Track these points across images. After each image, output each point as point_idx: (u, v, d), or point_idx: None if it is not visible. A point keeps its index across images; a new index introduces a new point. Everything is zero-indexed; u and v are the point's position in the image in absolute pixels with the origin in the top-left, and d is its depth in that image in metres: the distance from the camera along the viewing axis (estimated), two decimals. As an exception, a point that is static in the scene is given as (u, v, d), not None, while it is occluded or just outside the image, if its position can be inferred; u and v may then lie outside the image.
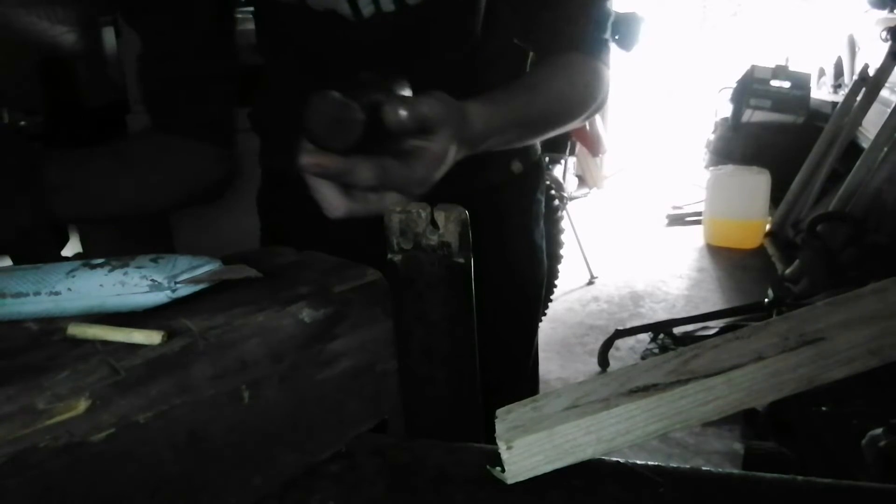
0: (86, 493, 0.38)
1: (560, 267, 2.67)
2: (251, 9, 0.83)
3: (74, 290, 0.45)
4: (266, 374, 0.45)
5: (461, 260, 0.49)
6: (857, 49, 4.20)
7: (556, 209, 2.62)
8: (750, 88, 4.09)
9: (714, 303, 3.06)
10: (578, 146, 3.70)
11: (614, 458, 0.47)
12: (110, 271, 0.46)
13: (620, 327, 2.64)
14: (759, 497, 0.44)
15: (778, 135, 4.01)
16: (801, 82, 4.10)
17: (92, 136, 2.44)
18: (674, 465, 0.46)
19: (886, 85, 3.21)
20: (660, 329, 2.62)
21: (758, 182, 3.57)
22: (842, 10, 4.96)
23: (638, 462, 0.47)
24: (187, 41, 0.75)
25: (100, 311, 0.46)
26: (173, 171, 0.78)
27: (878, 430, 1.40)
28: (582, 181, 4.78)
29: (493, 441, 0.46)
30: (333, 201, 0.52)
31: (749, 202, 3.60)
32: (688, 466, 0.47)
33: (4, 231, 0.67)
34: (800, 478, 0.45)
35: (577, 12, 0.74)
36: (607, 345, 2.56)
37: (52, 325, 0.45)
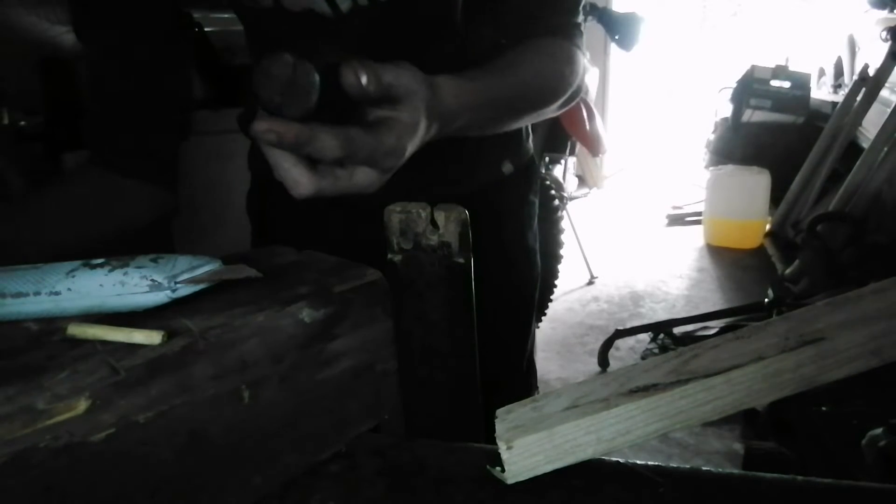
0: (86, 493, 0.38)
1: (560, 267, 2.67)
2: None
3: (74, 290, 0.45)
4: (266, 374, 0.45)
5: (461, 260, 0.49)
6: (857, 49, 4.20)
7: (556, 209, 2.62)
8: (750, 88, 4.09)
9: (714, 303, 3.06)
10: (578, 146, 3.70)
11: (614, 458, 0.47)
12: (110, 271, 0.46)
13: (620, 327, 2.64)
14: (759, 497, 0.44)
15: (778, 135, 4.01)
16: (801, 82, 4.10)
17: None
18: (674, 465, 0.46)
19: (886, 85, 3.21)
20: (660, 329, 2.62)
21: (758, 182, 3.57)
22: (842, 10, 4.96)
23: (638, 462, 0.47)
24: (136, 64, 0.73)
25: (100, 311, 0.46)
26: (103, 218, 0.76)
27: (878, 430, 1.40)
28: (582, 181, 4.78)
29: (493, 441, 0.46)
30: (298, 178, 0.46)
31: (749, 202, 3.60)
32: (688, 466, 0.47)
33: None
34: (800, 478, 0.45)
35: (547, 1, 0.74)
36: (607, 345, 2.56)
37: (52, 325, 0.45)
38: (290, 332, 0.46)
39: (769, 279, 2.90)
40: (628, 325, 2.68)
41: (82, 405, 0.37)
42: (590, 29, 0.81)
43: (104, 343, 0.42)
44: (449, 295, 0.51)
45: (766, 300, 2.62)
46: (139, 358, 0.41)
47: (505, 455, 0.44)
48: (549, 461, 0.44)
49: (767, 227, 3.55)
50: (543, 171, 3.10)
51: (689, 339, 2.53)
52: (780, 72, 4.11)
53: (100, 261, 0.47)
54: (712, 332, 2.53)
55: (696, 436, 2.08)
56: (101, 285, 0.45)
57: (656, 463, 0.46)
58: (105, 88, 0.75)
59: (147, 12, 0.73)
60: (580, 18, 0.77)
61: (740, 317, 2.65)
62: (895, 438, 1.37)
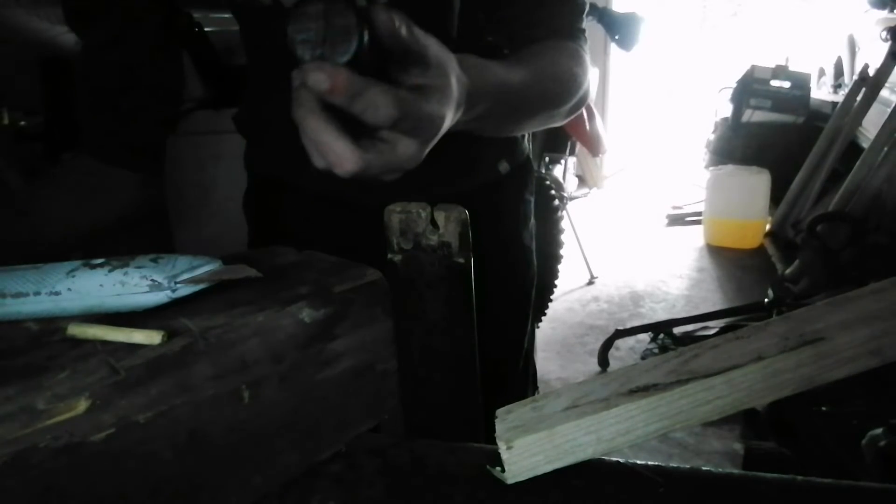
0: (86, 493, 0.38)
1: (560, 267, 2.67)
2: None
3: (74, 290, 0.45)
4: (266, 374, 0.45)
5: (461, 260, 0.49)
6: (857, 49, 4.20)
7: (556, 209, 2.62)
8: (750, 88, 4.09)
9: (714, 303, 3.06)
10: (578, 146, 3.70)
11: (614, 458, 0.47)
12: (110, 271, 0.46)
13: (620, 327, 2.64)
14: (759, 497, 0.44)
15: (778, 135, 4.01)
16: (801, 82, 4.10)
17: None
18: (674, 465, 0.46)
19: (886, 85, 3.21)
20: (660, 329, 2.62)
21: (758, 182, 3.57)
22: (842, 10, 4.96)
23: (638, 462, 0.47)
24: (126, 57, 0.74)
25: (100, 311, 0.46)
26: (90, 208, 0.77)
27: (878, 430, 1.40)
28: (582, 181, 4.78)
29: (493, 441, 0.46)
30: (343, 152, 0.41)
31: (749, 202, 3.60)
32: (688, 466, 0.47)
33: None
34: (800, 478, 0.45)
35: (551, 2, 0.74)
36: (607, 345, 2.56)
37: (52, 325, 0.45)
38: (290, 332, 0.46)
39: (769, 279, 2.90)
40: (628, 325, 2.68)
41: (82, 405, 0.37)
42: (590, 29, 0.81)
43: (104, 343, 0.42)
44: (449, 295, 0.51)
45: (766, 300, 2.62)
46: (139, 358, 0.41)
47: (505, 455, 0.44)
48: (549, 461, 0.44)
49: (767, 227, 3.55)
50: (543, 171, 3.09)
51: (689, 339, 2.53)
52: (780, 72, 4.11)
53: (100, 261, 0.47)
54: (712, 332, 2.53)
55: (696, 436, 2.08)
56: (101, 285, 0.45)
57: (656, 463, 0.46)
58: (94, 79, 0.75)
59: (138, 4, 0.73)
60: (584, 24, 0.77)
61: (740, 317, 2.65)
62: (895, 438, 1.37)
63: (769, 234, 3.46)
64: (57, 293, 0.45)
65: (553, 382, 2.42)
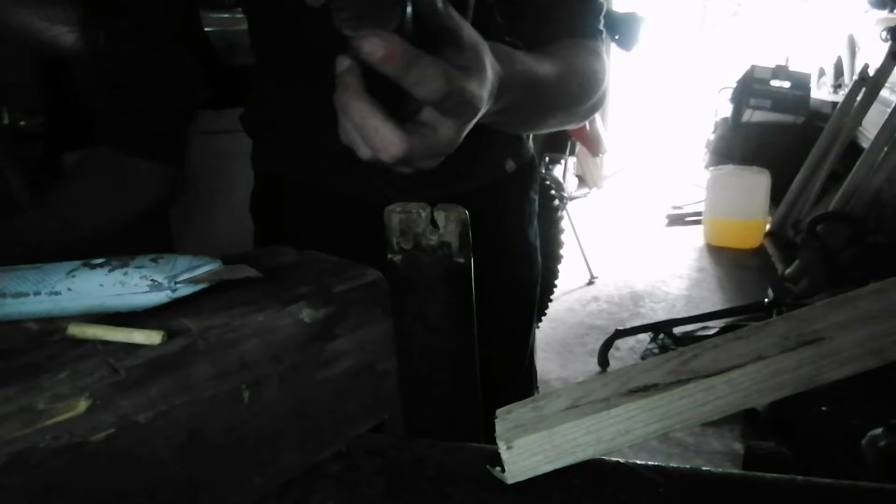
0: (86, 493, 0.38)
1: (560, 267, 2.67)
2: (240, 8, 0.82)
3: (74, 290, 0.45)
4: (266, 374, 0.45)
5: (461, 260, 0.49)
6: (857, 49, 4.20)
7: (556, 209, 2.62)
8: (750, 88, 4.10)
9: (714, 303, 3.06)
10: (578, 146, 3.71)
11: (614, 458, 0.47)
12: (110, 271, 0.46)
13: (620, 327, 2.64)
14: (759, 497, 0.44)
15: (778, 135, 4.02)
16: (801, 82, 4.10)
17: (92, 136, 2.44)
18: (674, 465, 0.46)
19: (886, 85, 3.22)
20: (660, 329, 2.62)
21: (758, 182, 3.57)
22: (842, 10, 4.96)
23: (638, 462, 0.47)
24: (146, 48, 0.74)
25: (100, 311, 0.46)
26: (117, 200, 0.77)
27: (878, 430, 1.40)
28: (582, 181, 4.78)
29: (493, 441, 0.46)
30: (390, 135, 0.40)
31: (749, 202, 3.60)
32: (688, 466, 0.47)
33: None
34: (800, 478, 0.45)
35: (571, 2, 0.73)
36: (607, 345, 2.56)
37: (52, 325, 0.45)
38: (290, 332, 0.46)
39: (769, 279, 2.90)
40: (628, 325, 2.68)
41: (82, 405, 0.37)
42: (590, 29, 0.81)
43: (104, 343, 0.42)
44: (449, 295, 0.51)
45: (766, 300, 2.63)
46: (139, 358, 0.41)
47: (505, 455, 0.44)
48: (549, 461, 0.44)
49: (767, 227, 3.55)
50: (543, 171, 3.10)
51: (689, 339, 2.53)
52: (780, 72, 4.11)
53: (100, 261, 0.47)
54: (712, 332, 2.53)
55: (696, 436, 2.08)
56: (101, 285, 0.45)
57: (656, 463, 0.46)
58: (114, 70, 0.75)
59: None
60: (602, 25, 0.77)
61: (740, 317, 2.65)
62: (895, 438, 1.37)
63: (769, 234, 3.46)
64: (57, 293, 0.45)
65: (553, 382, 2.42)
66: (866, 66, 3.35)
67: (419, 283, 0.50)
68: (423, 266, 0.50)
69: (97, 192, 0.77)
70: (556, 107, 0.68)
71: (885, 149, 2.92)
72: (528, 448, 0.44)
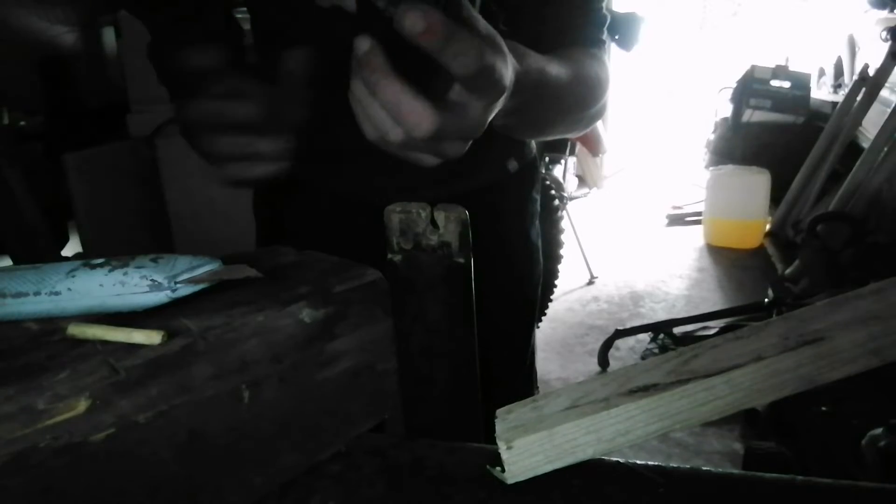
0: (86, 493, 0.38)
1: (560, 267, 2.67)
2: (244, 8, 0.82)
3: (74, 290, 0.45)
4: (266, 374, 0.45)
5: (461, 260, 0.49)
6: (857, 49, 4.20)
7: (556, 209, 2.62)
8: (750, 88, 4.10)
9: (714, 303, 3.06)
10: (578, 146, 3.71)
11: (614, 458, 0.47)
12: (110, 271, 0.46)
13: (620, 327, 2.64)
14: (759, 497, 0.44)
15: (778, 135, 4.02)
16: (801, 82, 4.10)
17: (92, 136, 2.44)
18: (674, 465, 0.46)
19: (886, 85, 3.21)
20: (660, 329, 2.62)
21: (758, 182, 3.57)
22: (842, 10, 4.96)
23: (638, 462, 0.47)
24: (199, 30, 0.74)
25: (100, 311, 0.46)
26: None
27: (878, 430, 1.40)
28: (582, 181, 4.78)
29: (493, 441, 0.46)
30: (423, 109, 0.40)
31: (749, 202, 3.60)
32: (688, 466, 0.47)
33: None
34: (800, 478, 0.45)
35: (576, 11, 0.74)
36: (607, 345, 2.56)
37: (52, 325, 0.45)
38: (290, 332, 0.46)
39: (769, 279, 2.90)
40: (628, 325, 2.68)
41: (82, 405, 0.37)
42: (589, 29, 0.81)
43: (104, 343, 0.42)
44: (449, 295, 0.51)
45: (766, 300, 2.63)
46: (139, 358, 0.41)
47: (505, 455, 0.44)
48: (549, 461, 0.44)
49: (767, 227, 3.55)
50: (543, 171, 3.09)
51: (689, 339, 2.53)
52: (780, 72, 4.11)
53: (100, 261, 0.47)
54: (712, 332, 2.53)
55: (696, 436, 2.08)
56: (101, 285, 0.45)
57: (656, 463, 0.46)
58: (167, 61, 0.75)
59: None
60: (605, 35, 0.77)
61: (740, 317, 2.65)
62: (895, 438, 1.37)
63: (769, 234, 3.46)
64: (57, 293, 0.45)
65: (553, 382, 2.42)
66: (866, 66, 3.34)
67: (419, 283, 0.50)
68: (423, 266, 0.50)
69: None
70: (563, 110, 0.68)
71: (885, 149, 2.92)
72: (528, 448, 0.44)
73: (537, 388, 1.04)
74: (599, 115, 0.74)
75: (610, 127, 4.46)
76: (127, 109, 2.34)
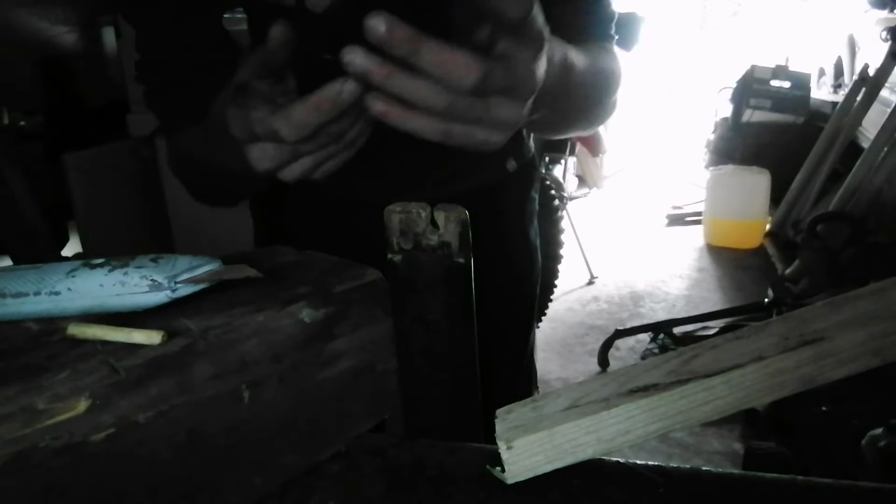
0: (86, 493, 0.38)
1: (560, 267, 2.67)
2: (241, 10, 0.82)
3: (74, 290, 0.45)
4: (266, 374, 0.45)
5: (461, 260, 0.49)
6: (857, 49, 4.20)
7: (556, 209, 2.62)
8: (750, 88, 4.10)
9: (714, 303, 3.06)
10: (578, 146, 3.71)
11: (614, 458, 0.47)
12: (110, 271, 0.46)
13: (620, 327, 2.64)
14: (759, 497, 0.44)
15: (778, 135, 4.02)
16: (801, 82, 4.10)
17: (92, 136, 2.44)
18: (674, 465, 0.46)
19: (886, 85, 3.21)
20: (660, 329, 2.62)
21: (758, 182, 3.57)
22: (842, 10, 4.96)
23: (638, 462, 0.47)
24: (190, 35, 0.74)
25: (100, 311, 0.46)
26: None
27: (878, 430, 1.41)
28: (582, 181, 4.78)
29: (493, 441, 0.46)
30: (466, 57, 0.38)
31: (749, 202, 3.60)
32: (688, 466, 0.47)
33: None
34: (800, 478, 0.45)
35: (585, 7, 0.73)
36: (607, 345, 2.56)
37: (52, 325, 0.45)
38: (290, 332, 0.46)
39: (769, 279, 2.90)
40: (628, 325, 2.68)
41: (82, 405, 0.37)
42: (589, 28, 0.81)
43: (104, 343, 0.42)
44: (449, 295, 0.51)
45: (766, 300, 2.63)
46: (139, 358, 0.41)
47: (505, 455, 0.44)
48: (549, 461, 0.44)
49: (767, 227, 3.55)
50: (543, 171, 3.09)
51: (689, 339, 2.53)
52: (780, 72, 4.11)
53: (100, 261, 0.47)
54: (712, 332, 2.53)
55: (696, 436, 2.08)
56: (101, 285, 0.45)
57: (656, 463, 0.46)
58: (162, 65, 0.74)
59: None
60: (613, 31, 0.77)
61: (740, 317, 2.65)
62: (895, 438, 1.37)
63: (769, 234, 3.46)
64: (57, 293, 0.45)
65: (553, 382, 2.42)
66: (866, 66, 3.34)
67: (419, 283, 0.50)
68: (423, 266, 0.50)
69: None
70: (587, 98, 0.65)
71: (885, 149, 2.92)
72: (528, 448, 0.44)
73: (537, 387, 1.04)
74: (614, 108, 0.74)
75: (610, 127, 4.46)
76: (127, 109, 2.34)
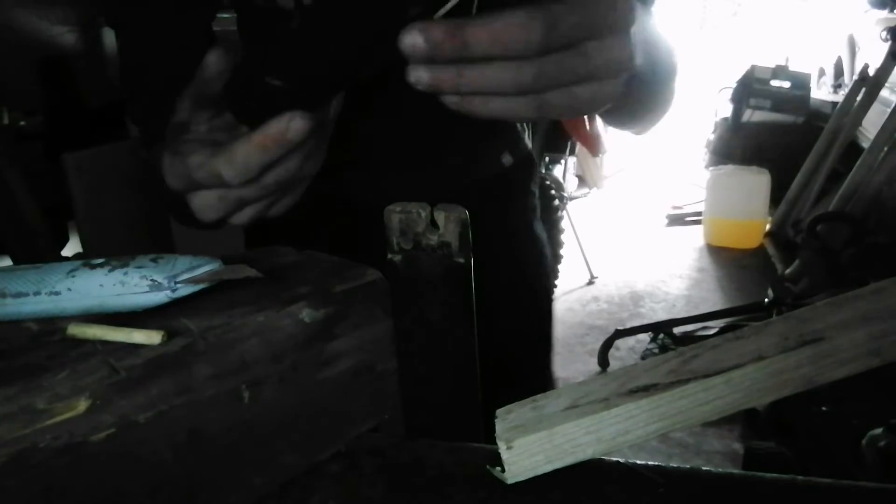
0: (86, 493, 0.38)
1: (560, 267, 2.67)
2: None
3: (74, 290, 0.45)
4: (266, 374, 0.45)
5: (461, 260, 0.49)
6: (857, 49, 4.21)
7: (556, 209, 2.62)
8: (750, 88, 4.10)
9: (714, 303, 3.06)
10: (578, 146, 3.71)
11: (614, 458, 0.47)
12: (110, 271, 0.46)
13: (620, 327, 2.64)
14: (759, 497, 0.44)
15: (778, 135, 4.02)
16: (801, 82, 4.10)
17: (92, 136, 2.44)
18: (674, 465, 0.46)
19: (886, 85, 3.21)
20: (660, 329, 2.62)
21: (758, 182, 3.57)
22: (842, 10, 4.96)
23: (638, 462, 0.47)
24: (176, 38, 0.73)
25: (100, 311, 0.46)
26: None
27: (878, 430, 1.41)
28: (582, 181, 4.78)
29: (493, 441, 0.46)
30: (520, 16, 0.32)
31: (749, 202, 3.60)
32: (688, 466, 0.47)
33: None
34: (800, 478, 0.45)
35: None
36: (607, 345, 2.56)
37: (52, 325, 0.45)
38: (290, 332, 0.46)
39: (769, 279, 2.90)
40: (628, 325, 2.68)
41: (82, 405, 0.37)
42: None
43: (104, 343, 0.42)
44: (449, 295, 0.51)
45: (766, 300, 2.63)
46: (139, 358, 0.41)
47: (505, 455, 0.44)
48: (549, 461, 0.44)
49: (767, 227, 3.55)
50: (543, 171, 3.09)
51: (689, 339, 2.53)
52: (780, 72, 4.11)
53: (100, 261, 0.47)
54: (712, 332, 2.53)
55: (696, 436, 2.08)
56: (101, 285, 0.45)
57: (656, 463, 0.46)
58: (147, 74, 0.72)
59: None
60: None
61: (740, 317, 2.65)
62: (895, 438, 1.37)
63: (769, 234, 3.46)
64: (57, 293, 0.45)
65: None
66: (866, 66, 3.34)
67: (419, 283, 0.50)
68: (423, 266, 0.50)
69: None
70: (663, 58, 0.57)
71: (885, 149, 2.92)
72: (528, 448, 0.44)
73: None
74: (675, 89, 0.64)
75: (610, 127, 4.45)
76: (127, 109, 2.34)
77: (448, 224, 0.49)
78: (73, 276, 0.46)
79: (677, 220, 4.22)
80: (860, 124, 3.34)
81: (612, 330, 2.62)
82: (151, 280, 0.45)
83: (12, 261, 2.38)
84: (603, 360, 2.53)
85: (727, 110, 4.32)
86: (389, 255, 0.50)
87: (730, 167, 3.77)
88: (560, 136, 3.31)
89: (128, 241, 2.27)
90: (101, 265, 0.46)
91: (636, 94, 0.46)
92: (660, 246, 3.84)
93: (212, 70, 0.42)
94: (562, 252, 2.70)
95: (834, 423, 1.58)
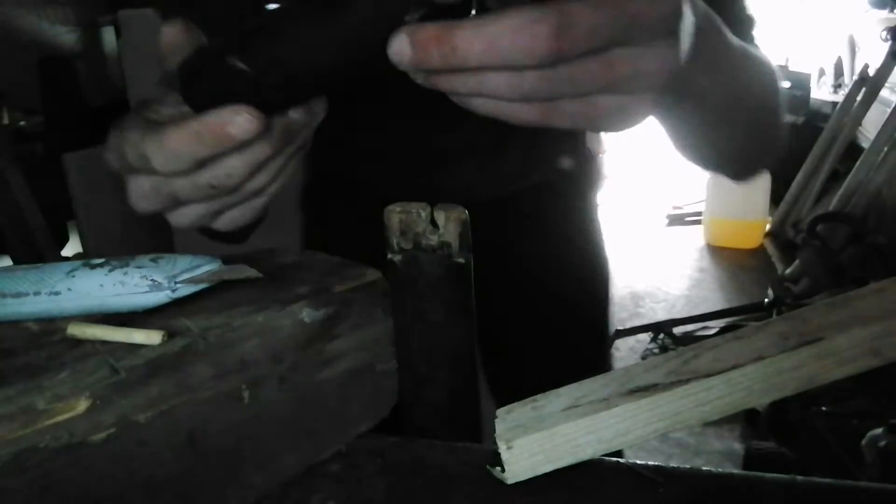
0: (86, 493, 0.38)
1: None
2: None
3: (74, 290, 0.45)
4: (266, 374, 0.45)
5: (461, 260, 0.49)
6: (857, 49, 4.20)
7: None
8: (750, 88, 4.09)
9: (714, 303, 3.06)
10: (578, 146, 3.70)
11: (614, 458, 0.47)
12: (110, 271, 0.46)
13: (620, 327, 2.64)
14: (759, 497, 0.44)
15: (778, 135, 4.01)
16: (801, 82, 4.10)
17: (92, 136, 2.44)
18: (674, 465, 0.46)
19: (886, 85, 3.21)
20: (660, 329, 2.62)
21: (758, 182, 3.56)
22: (842, 10, 4.95)
23: (638, 462, 0.47)
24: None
25: (100, 311, 0.46)
26: None
27: (878, 430, 1.41)
28: (582, 181, 4.77)
29: (495, 441, 0.46)
30: (528, 14, 0.26)
31: (749, 202, 3.60)
32: (688, 466, 0.47)
33: None
34: (800, 478, 0.45)
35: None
36: (607, 345, 2.55)
37: (52, 325, 0.45)
38: (290, 332, 0.46)
39: (769, 279, 2.90)
40: (628, 325, 2.68)
41: (82, 405, 0.37)
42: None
43: (104, 343, 0.42)
44: (449, 295, 0.51)
45: (766, 300, 2.63)
46: (139, 358, 0.41)
47: (505, 455, 0.44)
48: (549, 461, 0.44)
49: (767, 227, 3.55)
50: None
51: (689, 339, 2.53)
52: (779, 72, 4.10)
53: (100, 261, 0.47)
54: (712, 332, 2.53)
55: (696, 436, 2.08)
56: (101, 285, 0.45)
57: (656, 463, 0.46)
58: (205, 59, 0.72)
59: None
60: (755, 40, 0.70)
61: (740, 317, 2.65)
62: (895, 438, 1.37)
63: (769, 234, 3.46)
64: (57, 293, 0.45)
65: (553, 382, 2.42)
66: (866, 66, 3.34)
67: (419, 283, 0.50)
68: (423, 266, 0.50)
69: None
70: (751, 88, 0.48)
71: (885, 149, 2.92)
72: (528, 448, 0.44)
73: None
74: (782, 132, 0.52)
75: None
76: (127, 109, 2.34)
77: (448, 224, 0.49)
78: (73, 276, 0.46)
79: (677, 219, 4.22)
80: (860, 124, 3.33)
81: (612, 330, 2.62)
82: (151, 280, 0.45)
83: (12, 261, 2.38)
84: (603, 360, 2.53)
85: (727, 110, 4.31)
86: (389, 255, 0.50)
87: (730, 167, 3.76)
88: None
89: (128, 241, 2.27)
90: (101, 265, 0.46)
91: (698, 118, 0.40)
92: (660, 246, 3.83)
93: (166, 41, 0.36)
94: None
95: (834, 423, 1.58)
